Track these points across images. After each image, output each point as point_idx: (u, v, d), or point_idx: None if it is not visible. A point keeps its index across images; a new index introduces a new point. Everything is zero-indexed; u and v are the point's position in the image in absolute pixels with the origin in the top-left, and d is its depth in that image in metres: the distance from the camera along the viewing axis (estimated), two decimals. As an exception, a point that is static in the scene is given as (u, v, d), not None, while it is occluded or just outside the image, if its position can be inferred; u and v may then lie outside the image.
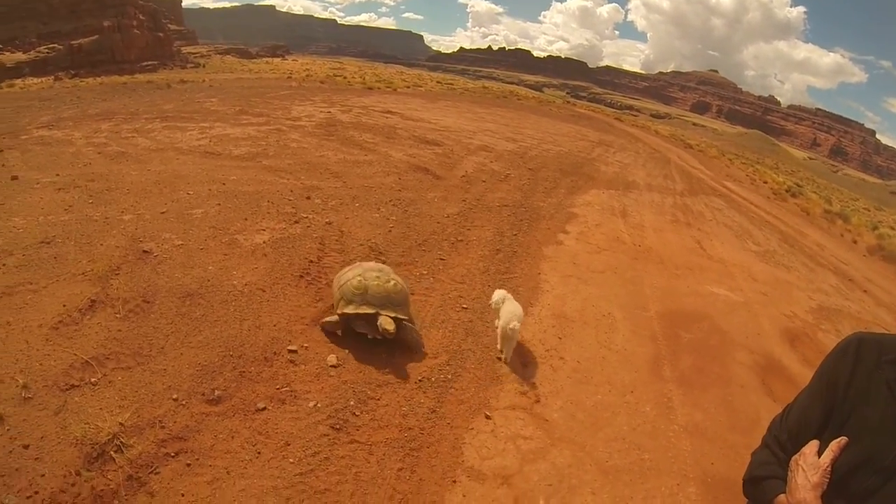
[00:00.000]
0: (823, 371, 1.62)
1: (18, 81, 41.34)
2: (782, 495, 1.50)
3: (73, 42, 70.48)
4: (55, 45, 69.10)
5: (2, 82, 39.91)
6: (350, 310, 4.53)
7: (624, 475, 3.86)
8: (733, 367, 5.83)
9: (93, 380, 3.69)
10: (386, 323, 4.45)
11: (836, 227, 19.72)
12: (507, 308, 4.76)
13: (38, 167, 8.13)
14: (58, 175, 7.72)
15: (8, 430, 3.18)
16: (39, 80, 44.95)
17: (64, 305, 4.42)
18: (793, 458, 1.52)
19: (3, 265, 4.99)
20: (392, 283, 4.76)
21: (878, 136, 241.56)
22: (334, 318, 4.68)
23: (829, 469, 1.43)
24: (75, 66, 64.16)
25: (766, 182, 28.75)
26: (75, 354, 3.87)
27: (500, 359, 4.80)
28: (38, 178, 7.53)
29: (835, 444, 1.45)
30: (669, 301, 7.05)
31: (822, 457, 1.45)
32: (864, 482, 1.39)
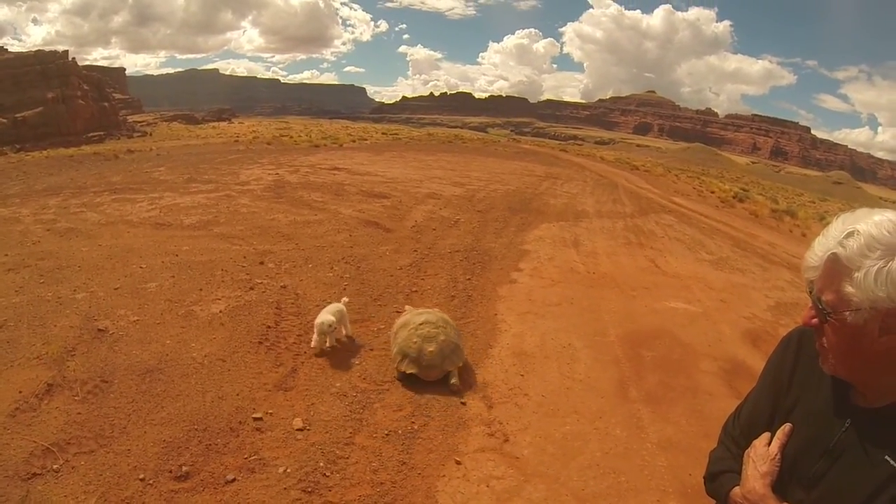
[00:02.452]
0: (769, 366, 1.68)
1: None
2: (736, 488, 1.53)
3: (17, 115, 69.84)
4: None
5: None
6: (433, 376, 5.04)
7: (602, 501, 3.86)
8: (699, 376, 5.92)
9: (55, 466, 3.59)
10: (455, 380, 5.01)
11: (785, 224, 20.38)
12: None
13: None
14: (6, 255, 7.59)
15: (-32, 525, 3.08)
16: None
17: (20, 391, 4.32)
18: (745, 451, 1.56)
19: None
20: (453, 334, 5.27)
21: (813, 131, 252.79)
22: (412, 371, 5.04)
23: (777, 457, 1.47)
24: (20, 139, 63.60)
25: (713, 192, 29.53)
26: (35, 441, 3.77)
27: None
28: None
29: (780, 433, 1.50)
30: (628, 323, 7.15)
31: (770, 446, 1.49)
32: (812, 466, 1.42)
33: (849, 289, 1.25)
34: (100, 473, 3.59)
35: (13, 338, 5.17)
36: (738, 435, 1.66)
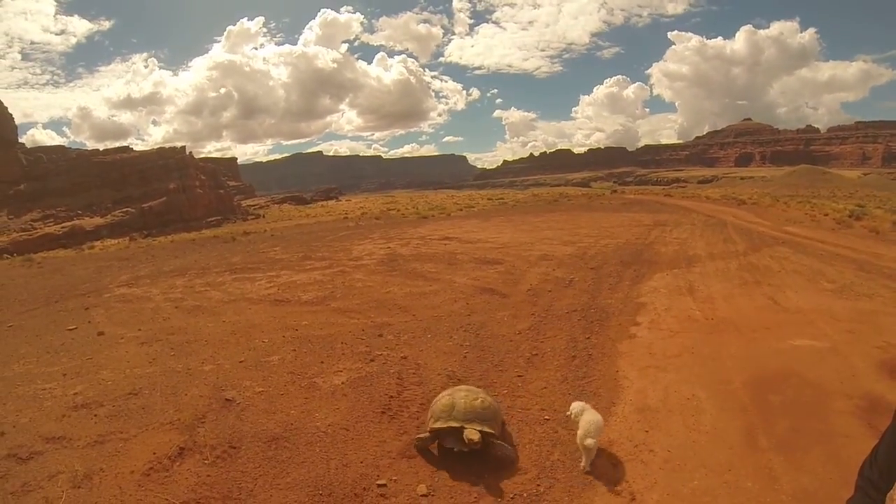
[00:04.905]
0: None
1: (98, 243, 44.99)
2: None
3: (143, 205, 76.87)
4: (128, 209, 75.48)
5: (83, 245, 43.35)
6: (438, 425, 4.69)
7: (739, 559, 3.66)
8: (833, 418, 5.46)
9: None
10: (471, 433, 4.55)
11: (912, 237, 18.60)
12: (586, 419, 4.72)
13: (121, 323, 8.74)
14: (140, 330, 8.26)
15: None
16: (116, 241, 48.81)
17: (154, 453, 4.65)
18: (887, 495, 1.49)
19: (95, 415, 5.33)
20: (479, 400, 4.90)
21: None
22: (426, 434, 4.83)
23: None
24: (147, 226, 70.01)
25: (826, 214, 27.52)
26: (167, 499, 4.03)
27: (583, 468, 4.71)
28: (123, 333, 8.10)
29: None
30: (752, 367, 6.76)
31: None
32: None
33: None
34: None
35: (147, 404, 5.60)
36: (876, 478, 1.59)
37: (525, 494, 4.33)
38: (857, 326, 8.22)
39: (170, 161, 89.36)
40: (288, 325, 8.58)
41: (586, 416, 4.75)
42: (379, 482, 4.44)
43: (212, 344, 7.72)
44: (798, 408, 5.70)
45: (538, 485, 4.44)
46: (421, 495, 4.30)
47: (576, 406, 4.98)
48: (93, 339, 8.05)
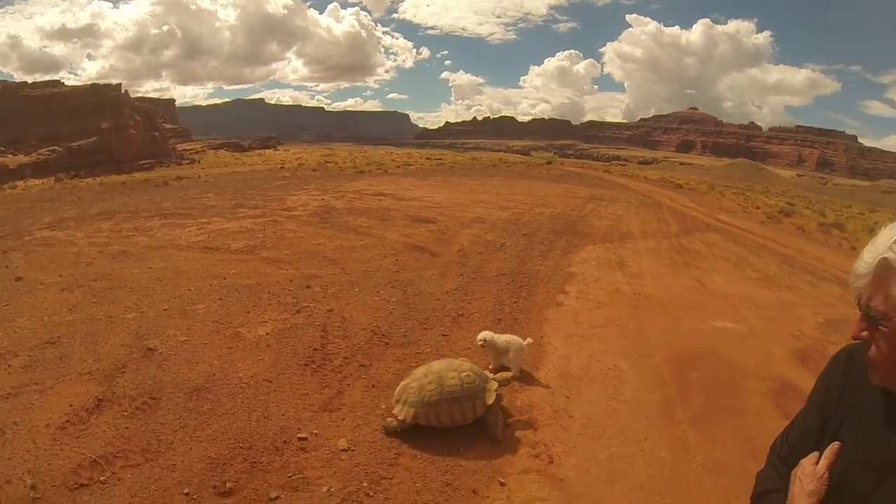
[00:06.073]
0: (818, 384, 1.67)
1: (20, 183, 42.34)
2: None
3: (72, 144, 73.00)
4: (55, 148, 71.58)
5: (4, 184, 41.04)
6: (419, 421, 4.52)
7: (648, 524, 3.83)
8: (746, 397, 5.80)
9: (102, 478, 3.72)
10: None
11: (834, 238, 19.82)
12: (503, 338, 5.52)
13: (41, 268, 8.38)
14: (61, 275, 7.93)
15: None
16: (41, 181, 45.86)
17: (70, 405, 4.50)
18: (793, 471, 1.54)
19: (9, 366, 5.12)
20: (458, 380, 4.62)
21: (860, 139, 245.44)
22: (396, 420, 4.60)
23: (825, 476, 1.44)
24: (75, 167, 66.59)
25: (758, 208, 28.90)
26: (83, 453, 3.92)
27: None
28: (42, 279, 7.76)
29: (829, 451, 1.47)
30: (675, 343, 7.05)
31: (818, 465, 1.47)
32: (861, 484, 1.39)
33: None
34: (145, 487, 3.70)
35: (66, 354, 5.40)
36: (785, 454, 1.64)
37: (445, 452, 4.38)
38: (776, 315, 8.72)
39: (103, 99, 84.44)
40: (216, 274, 8.38)
41: (503, 336, 5.43)
42: (300, 436, 4.42)
43: (136, 291, 7.47)
44: (714, 385, 6.02)
45: (458, 444, 4.49)
46: (341, 450, 4.30)
47: (486, 334, 5.48)
48: (10, 284, 7.62)
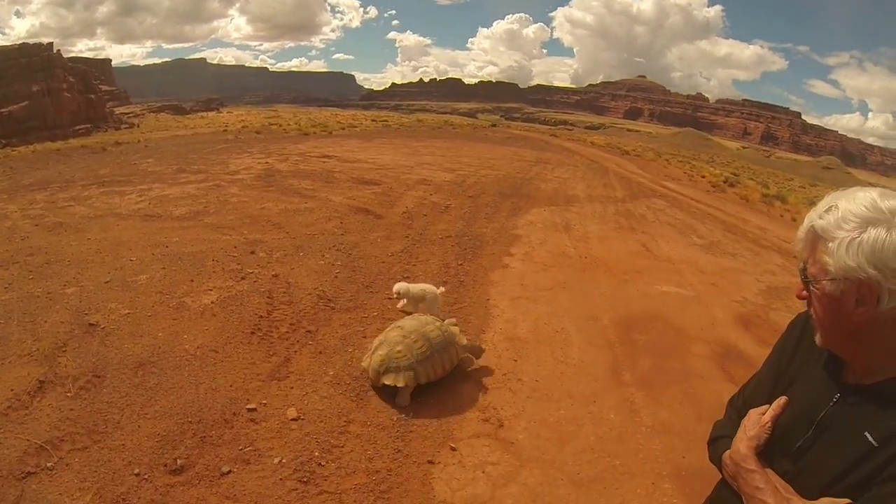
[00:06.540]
0: (776, 345, 1.75)
1: None
2: (728, 451, 1.60)
3: (1, 110, 68.99)
4: None
5: None
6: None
7: (597, 485, 3.86)
8: (691, 360, 5.94)
9: (49, 465, 3.54)
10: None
11: (776, 209, 20.46)
12: (419, 286, 5.77)
13: None
14: None
15: (-37, 527, 3.03)
16: None
17: (11, 389, 4.25)
18: (741, 421, 1.62)
19: None
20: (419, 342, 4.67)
21: (803, 116, 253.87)
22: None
23: (768, 425, 1.53)
24: (6, 134, 62.69)
25: (703, 176, 29.63)
26: (28, 440, 3.71)
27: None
28: None
29: (776, 403, 1.56)
30: (621, 307, 7.14)
31: (765, 415, 1.56)
32: (799, 438, 1.48)
33: (825, 258, 1.35)
34: (94, 470, 3.54)
35: (3, 335, 5.09)
36: (740, 406, 1.74)
37: (394, 418, 4.33)
38: (719, 280, 8.95)
39: (34, 59, 79.08)
40: (158, 242, 8.02)
41: (417, 285, 5.68)
42: (249, 406, 4.30)
43: (75, 264, 7.06)
44: (660, 348, 6.14)
45: (408, 409, 4.45)
46: (291, 419, 4.21)
47: (400, 285, 5.76)
48: (-62, 266, 7.15)
